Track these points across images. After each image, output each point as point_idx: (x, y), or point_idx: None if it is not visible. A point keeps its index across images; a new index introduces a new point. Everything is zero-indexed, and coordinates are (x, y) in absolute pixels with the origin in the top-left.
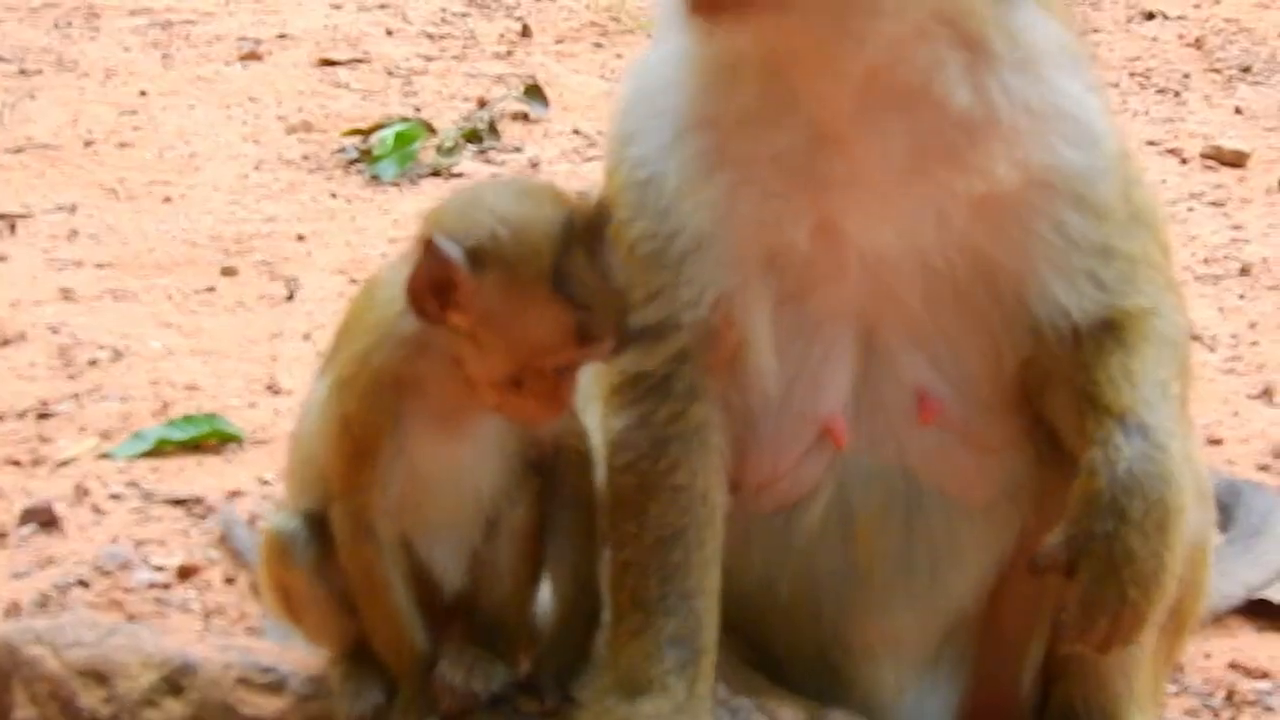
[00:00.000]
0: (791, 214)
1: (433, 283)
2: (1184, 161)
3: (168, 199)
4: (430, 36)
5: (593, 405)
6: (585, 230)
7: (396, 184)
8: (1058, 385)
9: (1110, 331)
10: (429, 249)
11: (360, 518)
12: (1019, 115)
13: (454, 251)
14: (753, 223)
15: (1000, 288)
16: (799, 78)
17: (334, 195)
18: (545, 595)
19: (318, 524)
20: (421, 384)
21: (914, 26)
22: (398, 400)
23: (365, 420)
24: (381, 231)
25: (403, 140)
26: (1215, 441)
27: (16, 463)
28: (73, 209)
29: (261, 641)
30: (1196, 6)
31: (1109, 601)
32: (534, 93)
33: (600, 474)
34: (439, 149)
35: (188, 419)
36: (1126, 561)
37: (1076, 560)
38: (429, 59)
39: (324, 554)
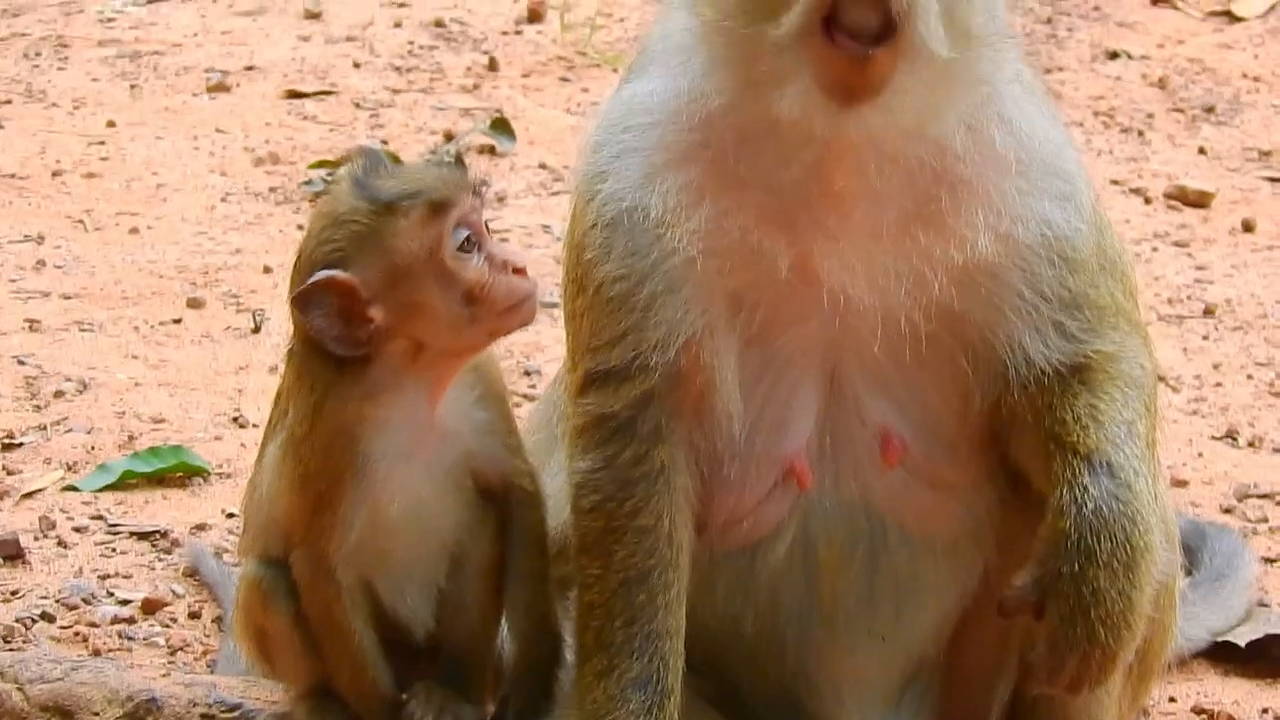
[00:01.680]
0: (772, 251)
1: (339, 318)
2: (1148, 201)
3: (135, 230)
4: (398, 69)
5: (558, 446)
6: (365, 166)
7: None
8: (1024, 427)
9: (1076, 374)
10: (309, 300)
11: (321, 563)
12: (1005, 175)
13: (320, 273)
14: (733, 256)
15: (968, 337)
16: (823, 139)
17: (301, 227)
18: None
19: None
20: (383, 420)
21: (958, 109)
22: (357, 445)
23: (327, 470)
24: None
25: None
26: (1180, 483)
27: None
28: (40, 239)
29: (226, 677)
30: (1160, 46)
31: (1078, 642)
32: (501, 126)
33: (563, 515)
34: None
35: (153, 451)
36: (1095, 602)
37: (1045, 601)
38: (396, 92)
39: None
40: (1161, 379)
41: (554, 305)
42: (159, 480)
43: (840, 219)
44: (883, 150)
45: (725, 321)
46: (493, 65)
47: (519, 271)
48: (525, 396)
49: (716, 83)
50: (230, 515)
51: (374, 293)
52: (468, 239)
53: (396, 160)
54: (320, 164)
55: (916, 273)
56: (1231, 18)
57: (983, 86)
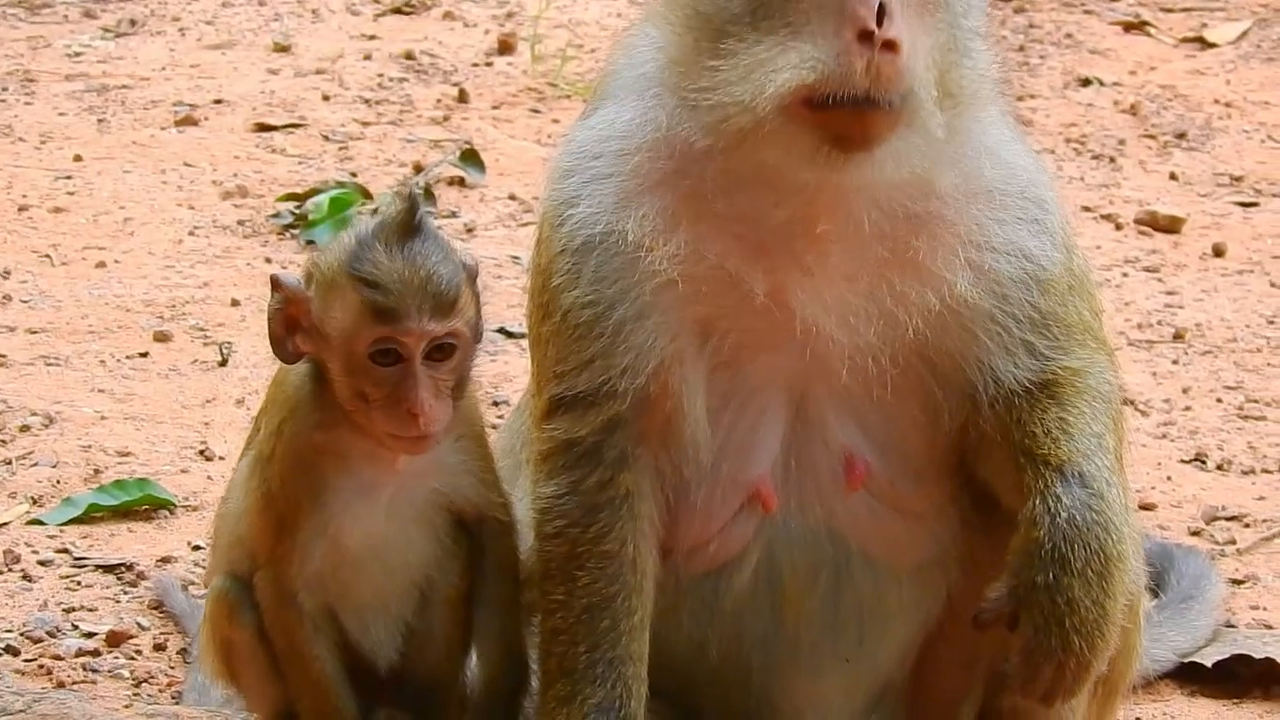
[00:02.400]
0: (747, 279)
1: (285, 318)
2: (1118, 227)
3: (101, 264)
4: (367, 102)
5: (523, 471)
6: (393, 223)
7: None
8: (992, 443)
9: (1045, 389)
10: (273, 286)
11: (282, 587)
12: (984, 207)
13: (288, 276)
14: (707, 281)
15: (938, 364)
16: (782, 190)
17: (269, 260)
18: (473, 662)
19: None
20: (341, 451)
21: (947, 156)
22: (317, 472)
23: (288, 495)
24: None
25: (338, 205)
26: (1148, 506)
27: None
28: (6, 274)
29: (190, 709)
30: (1132, 73)
31: (1052, 651)
32: (470, 158)
33: (528, 541)
34: (375, 213)
35: (119, 485)
36: (1070, 611)
37: (1019, 611)
38: (366, 124)
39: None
40: (1131, 403)
41: (521, 336)
42: (125, 513)
43: (817, 257)
44: (868, 197)
45: (694, 348)
46: (463, 97)
47: (413, 416)
48: (493, 427)
49: (694, 125)
50: (196, 548)
51: (311, 325)
52: (389, 353)
53: (367, 195)
54: (288, 197)
55: (889, 314)
56: (1204, 44)
57: (972, 133)
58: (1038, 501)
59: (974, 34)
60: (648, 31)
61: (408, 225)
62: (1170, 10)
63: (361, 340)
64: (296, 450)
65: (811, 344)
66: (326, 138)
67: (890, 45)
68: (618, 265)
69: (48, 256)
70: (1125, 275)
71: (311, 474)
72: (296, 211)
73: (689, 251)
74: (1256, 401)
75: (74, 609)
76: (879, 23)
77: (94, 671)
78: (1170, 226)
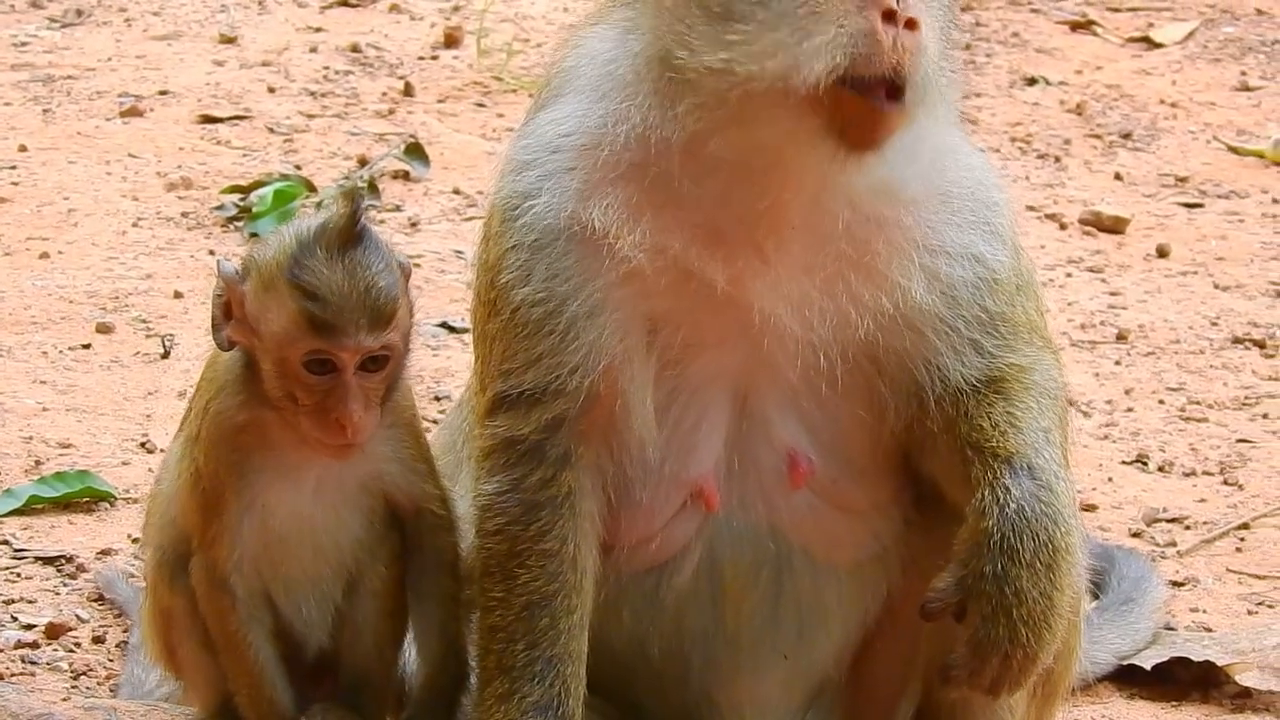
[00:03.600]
0: (708, 269)
1: (223, 306)
2: (1063, 227)
3: (45, 255)
4: (312, 94)
5: (464, 468)
6: (334, 229)
7: None
8: (939, 438)
9: (991, 385)
10: (220, 272)
11: (215, 571)
12: (938, 210)
13: (226, 266)
14: (666, 274)
15: (885, 363)
16: (771, 173)
17: (212, 253)
18: (413, 658)
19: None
20: (263, 433)
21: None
22: (241, 453)
23: (212, 473)
24: None
25: (282, 198)
26: (1089, 507)
27: None
28: None
29: (127, 701)
30: (1079, 72)
31: (999, 642)
32: (415, 152)
33: (469, 538)
34: (318, 207)
35: (59, 476)
36: (1017, 602)
37: (966, 602)
38: (311, 117)
39: None
40: (1073, 404)
41: (464, 331)
42: (65, 505)
43: (777, 247)
44: (845, 194)
45: (644, 346)
46: (408, 90)
47: (340, 426)
48: (435, 422)
49: (674, 115)
50: (137, 540)
51: (244, 317)
52: (323, 363)
53: (311, 188)
54: (233, 189)
55: (843, 312)
56: (1150, 44)
57: (931, 134)
58: (986, 492)
59: (954, 34)
60: (605, 31)
61: (349, 232)
62: (1117, 10)
63: (296, 349)
64: (220, 429)
65: (765, 337)
66: (271, 130)
67: (911, 24)
68: (572, 261)
69: None
70: (1069, 275)
71: (236, 453)
72: (240, 204)
73: (652, 242)
74: (1198, 403)
75: (13, 601)
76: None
77: (32, 664)
78: (1114, 227)
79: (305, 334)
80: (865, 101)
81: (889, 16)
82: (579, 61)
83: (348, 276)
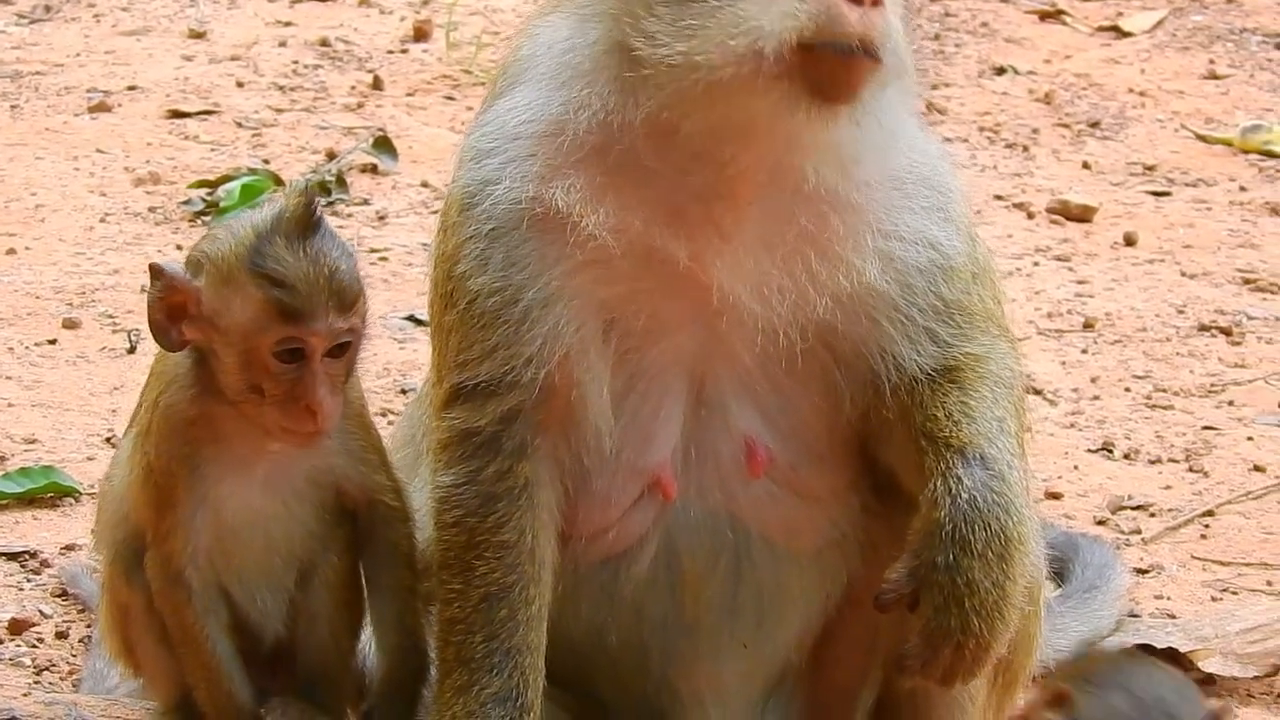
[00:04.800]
0: (670, 247)
1: (168, 306)
2: (1030, 216)
3: (12, 250)
4: (281, 88)
5: (424, 460)
6: (291, 218)
7: None
8: (895, 427)
9: (947, 374)
10: (154, 275)
11: (170, 565)
12: (891, 192)
13: (173, 267)
14: (629, 256)
15: (841, 349)
16: (741, 144)
17: (179, 248)
18: (373, 651)
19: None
20: (214, 425)
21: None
22: (193, 446)
23: (164, 467)
24: None
25: (250, 193)
26: (1054, 495)
27: None
28: None
29: (88, 696)
30: (1047, 62)
31: (952, 632)
32: (383, 145)
33: (426, 530)
34: (265, 206)
35: (24, 472)
36: (969, 592)
37: (919, 592)
38: (279, 111)
39: None
40: (1039, 392)
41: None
42: (29, 501)
43: (736, 224)
44: (814, 163)
45: (600, 335)
46: (377, 84)
47: (311, 411)
48: (398, 415)
49: (634, 100)
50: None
51: (200, 315)
52: (294, 352)
53: (279, 183)
54: (200, 184)
55: (801, 290)
56: (1119, 33)
57: (886, 117)
58: (939, 483)
59: (910, 27)
60: (560, 20)
61: (307, 220)
62: None
63: (266, 339)
64: (171, 422)
65: (724, 318)
66: (240, 124)
67: (876, 1)
68: (529, 249)
69: None
70: (1036, 264)
71: (187, 446)
72: (208, 198)
73: (615, 221)
74: (1164, 391)
75: None
76: None
77: None
78: (1082, 215)
79: (275, 322)
80: (838, 54)
81: None
82: (535, 50)
83: (312, 262)
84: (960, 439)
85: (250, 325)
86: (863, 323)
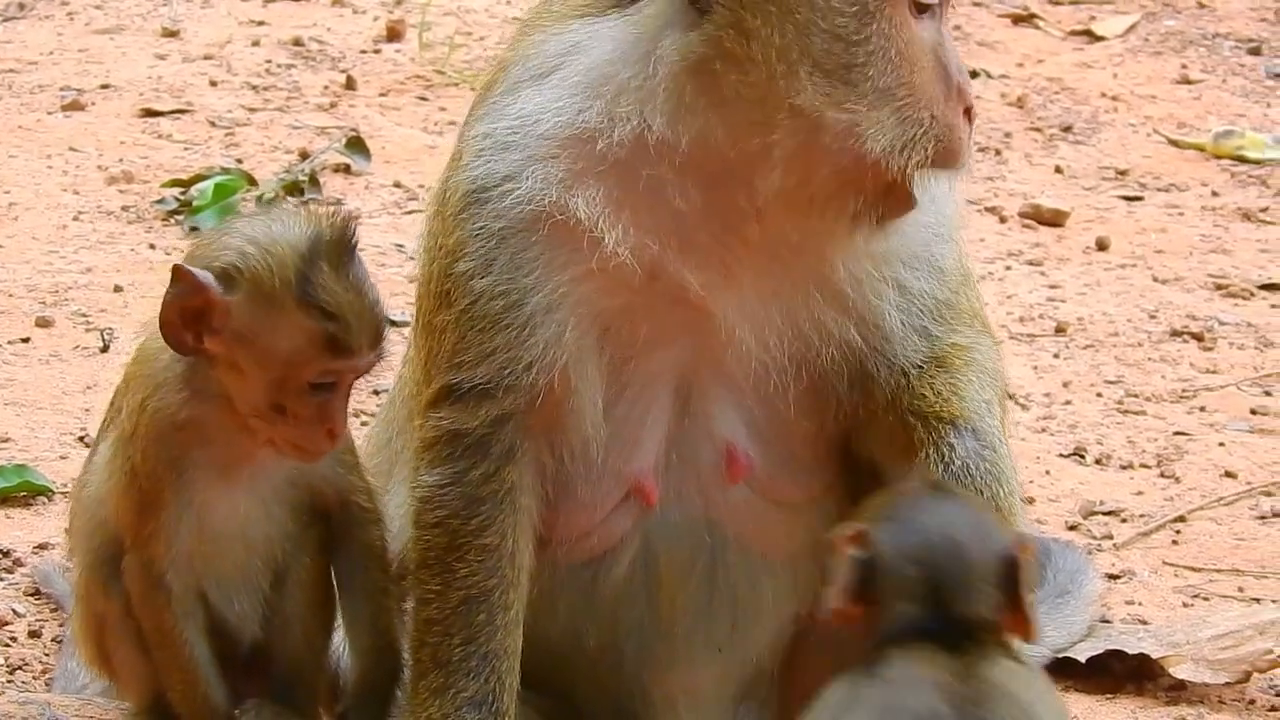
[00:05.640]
0: (677, 272)
1: (184, 310)
2: (1003, 220)
3: None
4: (254, 88)
5: (399, 461)
6: (332, 243)
7: None
8: (881, 415)
9: (934, 362)
10: (178, 277)
11: (151, 569)
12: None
13: (205, 275)
14: (643, 270)
15: (835, 360)
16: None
17: (153, 246)
18: (347, 653)
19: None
20: (203, 430)
21: None
22: (180, 450)
23: (150, 471)
24: None
25: (223, 192)
26: (1026, 500)
27: None
28: None
29: (62, 696)
30: (1020, 65)
31: None
32: (356, 145)
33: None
34: (259, 201)
35: None
36: None
37: None
38: (252, 110)
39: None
40: (1011, 396)
41: (404, 324)
42: (2, 500)
43: (746, 265)
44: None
45: (598, 343)
46: (350, 84)
47: (331, 434)
48: (374, 415)
49: (691, 124)
50: None
51: (228, 330)
52: (328, 383)
53: (252, 182)
54: (173, 183)
55: (804, 339)
56: (1092, 37)
57: None
58: (931, 451)
59: None
60: (601, 27)
61: (348, 246)
62: (1059, 3)
63: (310, 369)
64: (159, 427)
65: (722, 341)
66: (213, 124)
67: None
68: (536, 253)
69: None
70: (1008, 269)
71: (174, 451)
72: (181, 198)
73: (633, 240)
74: (1137, 396)
75: None
76: None
77: None
78: (1054, 220)
79: (323, 354)
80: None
81: (968, 113)
82: (562, 49)
83: (358, 294)
84: (951, 411)
85: (294, 354)
86: (859, 335)
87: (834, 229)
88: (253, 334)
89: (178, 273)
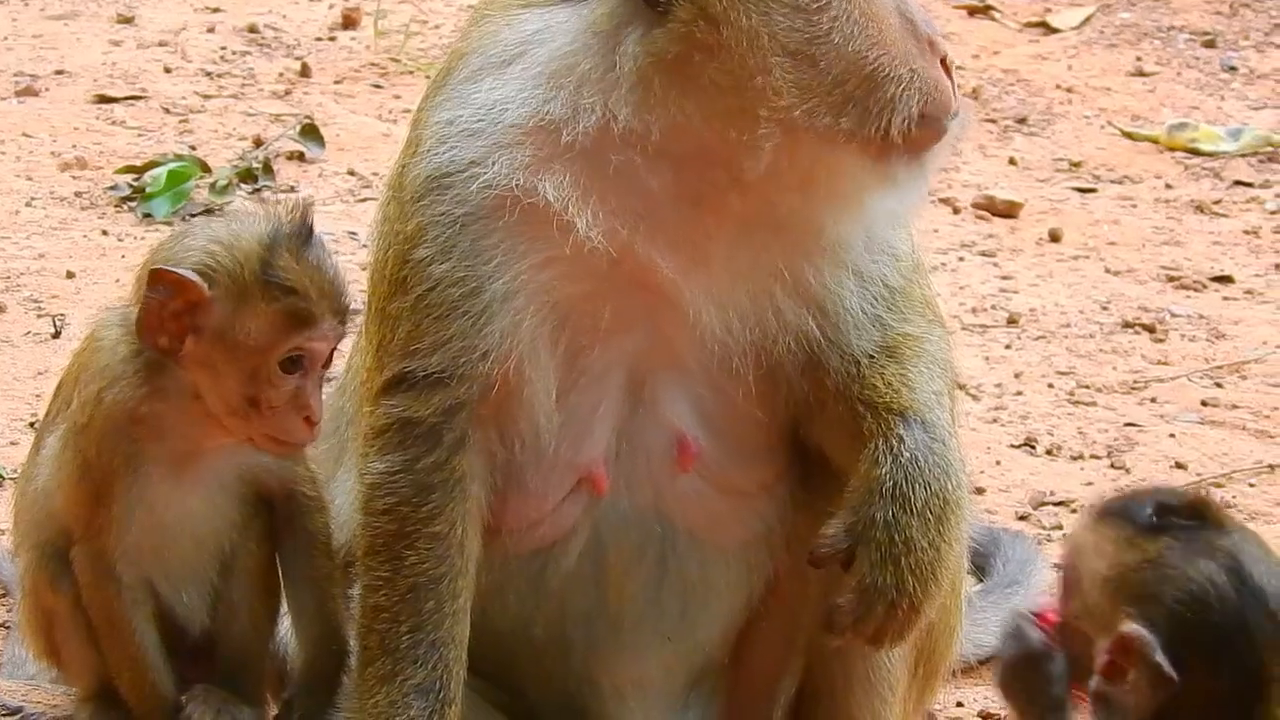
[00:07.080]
0: (653, 253)
1: (168, 312)
2: (956, 211)
3: None
4: (209, 75)
5: (349, 448)
6: (291, 231)
7: (169, 223)
8: (830, 403)
9: (885, 352)
10: (161, 280)
11: (101, 560)
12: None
13: (190, 274)
14: (608, 253)
15: (789, 348)
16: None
17: (105, 233)
18: (293, 641)
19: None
20: (159, 425)
21: None
22: (134, 443)
23: (103, 464)
24: None
25: (176, 179)
26: (977, 490)
27: None
28: None
29: (8, 681)
30: (976, 57)
31: (886, 590)
32: (310, 133)
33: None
34: (212, 188)
35: None
36: (906, 550)
37: (855, 548)
38: (207, 97)
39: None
40: (963, 387)
41: (356, 312)
42: None
43: (716, 248)
44: (830, 219)
45: (550, 334)
46: (305, 71)
47: (309, 421)
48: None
49: (661, 114)
50: None
51: (205, 326)
52: (296, 360)
53: (206, 169)
54: (127, 169)
55: (764, 325)
56: (1047, 29)
57: None
58: (880, 442)
59: None
60: (560, 19)
61: (306, 231)
62: None
63: (277, 349)
64: (115, 420)
65: (680, 325)
66: (167, 110)
67: (946, 67)
68: (496, 240)
69: None
70: (961, 260)
71: (128, 444)
72: (134, 184)
73: (605, 225)
74: (1088, 387)
75: None
76: None
77: None
78: (1008, 211)
79: (288, 331)
80: (930, 132)
81: (944, 63)
82: (520, 38)
83: (316, 269)
84: (901, 403)
85: (263, 338)
86: (813, 322)
87: (848, 194)
88: (228, 328)
89: (157, 275)
